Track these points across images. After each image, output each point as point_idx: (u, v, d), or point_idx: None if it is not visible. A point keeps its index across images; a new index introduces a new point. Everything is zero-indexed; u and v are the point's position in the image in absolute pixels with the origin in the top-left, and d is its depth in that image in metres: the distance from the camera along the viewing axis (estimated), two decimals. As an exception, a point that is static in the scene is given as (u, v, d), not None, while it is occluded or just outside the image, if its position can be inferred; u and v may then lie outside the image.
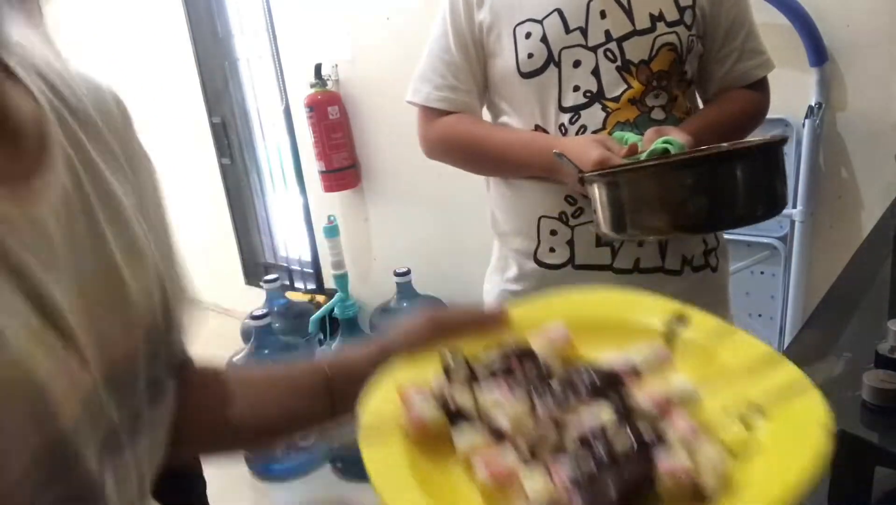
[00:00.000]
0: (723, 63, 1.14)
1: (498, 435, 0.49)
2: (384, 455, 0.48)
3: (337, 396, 0.61)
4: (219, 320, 3.33)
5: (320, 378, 0.62)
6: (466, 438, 0.49)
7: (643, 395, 0.48)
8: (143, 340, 0.49)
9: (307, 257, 3.12)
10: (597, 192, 0.88)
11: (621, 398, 0.48)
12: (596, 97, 1.05)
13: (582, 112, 1.05)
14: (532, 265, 1.15)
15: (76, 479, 0.41)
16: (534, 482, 0.43)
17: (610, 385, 0.50)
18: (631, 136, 1.00)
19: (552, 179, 1.06)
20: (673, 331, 0.56)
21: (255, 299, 3.02)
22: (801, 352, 0.83)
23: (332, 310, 2.71)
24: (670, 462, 0.42)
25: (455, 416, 0.51)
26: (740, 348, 0.52)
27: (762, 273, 1.78)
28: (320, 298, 2.98)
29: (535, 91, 1.07)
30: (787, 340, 1.74)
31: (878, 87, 1.56)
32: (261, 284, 2.88)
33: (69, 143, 0.47)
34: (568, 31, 1.03)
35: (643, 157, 0.94)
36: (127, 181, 0.53)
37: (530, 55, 1.05)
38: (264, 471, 2.39)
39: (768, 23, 1.63)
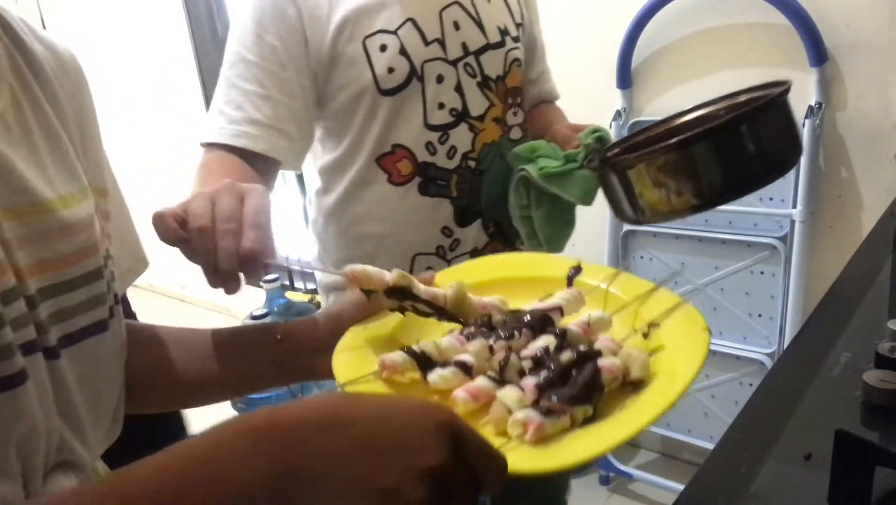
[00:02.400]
0: (535, 83, 1.16)
1: (465, 370, 0.57)
2: (371, 392, 0.56)
3: (287, 363, 0.67)
4: (218, 320, 3.33)
5: (269, 343, 0.67)
6: (438, 376, 0.57)
7: (571, 324, 0.61)
8: (81, 264, 0.53)
9: (307, 257, 3.11)
10: (640, 178, 0.76)
11: (556, 328, 0.61)
12: (462, 116, 0.99)
13: (450, 132, 0.99)
14: None
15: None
16: (509, 395, 0.53)
17: (543, 322, 0.62)
18: (541, 144, 0.97)
19: None
20: (572, 278, 0.71)
21: (254, 299, 3.02)
22: (802, 352, 0.83)
23: (332, 310, 2.70)
24: (606, 363, 0.54)
25: (423, 362, 0.59)
26: (626, 284, 0.68)
27: (762, 273, 1.78)
28: (320, 298, 2.98)
29: (395, 108, 0.96)
30: (787, 339, 1.74)
31: (878, 87, 1.56)
32: (260, 284, 2.88)
33: (16, 78, 0.53)
34: (426, 42, 0.95)
35: (580, 155, 0.91)
36: (70, 129, 0.57)
37: (391, 70, 0.94)
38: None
39: (768, 23, 1.63)
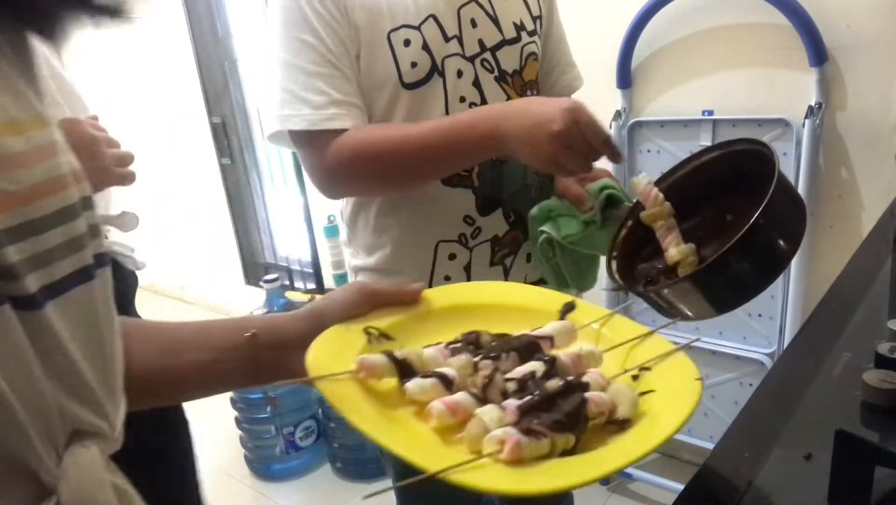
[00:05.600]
0: (551, 75, 1.16)
1: (446, 383, 0.56)
2: (344, 390, 0.54)
3: (263, 359, 0.63)
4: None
5: (244, 339, 0.63)
6: (416, 385, 0.55)
7: (561, 354, 0.60)
8: (50, 199, 0.44)
9: (307, 257, 3.12)
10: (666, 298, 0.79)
11: (545, 356, 0.59)
12: None
13: None
14: None
15: None
16: (488, 412, 0.51)
17: (531, 348, 0.61)
18: (556, 205, 0.99)
19: (496, 154, 0.98)
20: (565, 314, 0.70)
21: (254, 299, 3.02)
22: (801, 352, 0.83)
23: (332, 310, 2.70)
24: (594, 396, 0.53)
25: (403, 368, 0.57)
26: (620, 327, 0.67)
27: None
28: (320, 298, 2.98)
29: (417, 102, 0.99)
30: (787, 339, 1.74)
31: (877, 87, 1.56)
32: (261, 283, 2.89)
33: None
34: (447, 39, 0.98)
35: (596, 216, 0.94)
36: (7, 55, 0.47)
37: (414, 64, 0.97)
38: (265, 471, 2.39)
39: (768, 23, 1.63)
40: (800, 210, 0.75)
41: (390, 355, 0.57)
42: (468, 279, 1.07)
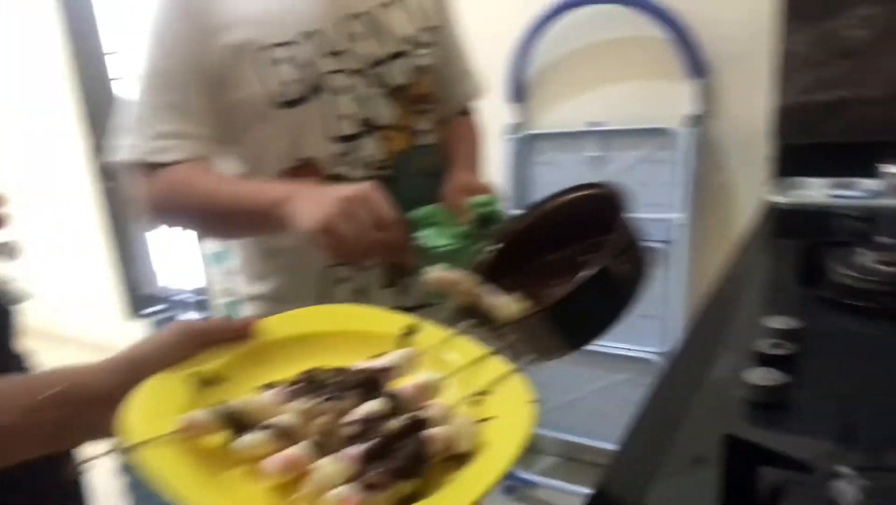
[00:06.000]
0: (447, 86, 1.15)
1: (281, 435, 0.51)
2: (164, 457, 0.48)
3: (66, 421, 0.55)
4: (99, 357, 3.13)
5: (42, 399, 0.54)
6: (246, 441, 0.51)
7: (402, 387, 0.57)
8: None
9: (195, 286, 2.98)
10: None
11: (386, 391, 0.57)
12: (367, 126, 0.99)
13: (356, 142, 0.98)
14: None
15: None
16: (327, 465, 0.48)
17: (372, 385, 0.57)
18: (435, 211, 0.93)
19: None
20: (405, 339, 0.66)
21: (138, 333, 2.86)
22: (684, 353, 0.85)
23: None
24: (435, 432, 0.51)
25: (234, 421, 0.52)
26: (462, 350, 0.64)
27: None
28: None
29: (294, 123, 0.95)
30: (673, 340, 1.81)
31: (748, 97, 1.68)
32: (144, 315, 2.73)
33: None
34: (325, 54, 0.95)
35: (467, 232, 0.90)
36: None
37: (287, 83, 0.94)
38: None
39: (651, 36, 1.72)
40: (643, 254, 0.76)
41: (219, 409, 0.52)
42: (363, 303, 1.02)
